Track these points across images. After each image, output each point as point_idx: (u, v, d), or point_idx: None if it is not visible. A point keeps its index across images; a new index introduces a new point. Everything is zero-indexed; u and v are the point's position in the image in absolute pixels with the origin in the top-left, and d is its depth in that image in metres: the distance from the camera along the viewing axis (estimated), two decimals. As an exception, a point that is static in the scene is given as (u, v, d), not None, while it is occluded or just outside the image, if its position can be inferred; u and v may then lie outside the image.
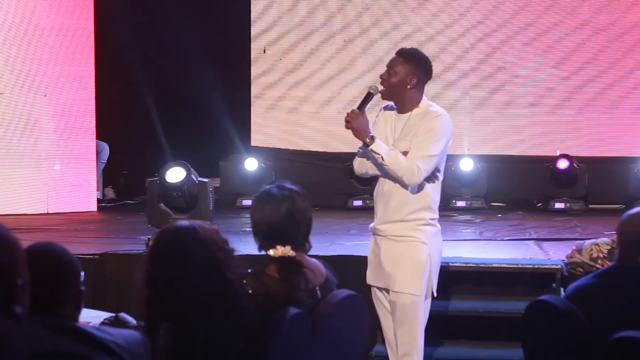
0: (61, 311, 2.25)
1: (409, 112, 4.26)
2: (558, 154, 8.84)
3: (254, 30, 9.60)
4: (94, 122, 8.90)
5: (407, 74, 4.22)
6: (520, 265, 5.58)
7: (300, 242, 3.11)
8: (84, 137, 8.81)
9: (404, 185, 4.17)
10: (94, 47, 8.90)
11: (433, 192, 4.25)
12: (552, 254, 5.91)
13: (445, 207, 8.78)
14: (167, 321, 2.66)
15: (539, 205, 8.81)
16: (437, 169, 4.27)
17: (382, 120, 4.35)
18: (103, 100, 9.06)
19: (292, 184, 3.21)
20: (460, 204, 8.77)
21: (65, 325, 2.21)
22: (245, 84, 9.67)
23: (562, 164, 8.63)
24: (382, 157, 4.12)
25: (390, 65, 4.27)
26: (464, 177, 8.84)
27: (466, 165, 8.84)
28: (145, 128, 9.76)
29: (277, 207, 3.07)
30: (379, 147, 4.13)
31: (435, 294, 4.30)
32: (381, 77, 4.31)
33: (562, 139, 9.19)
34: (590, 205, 8.67)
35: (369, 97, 4.27)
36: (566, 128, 9.24)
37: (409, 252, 4.17)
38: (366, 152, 4.20)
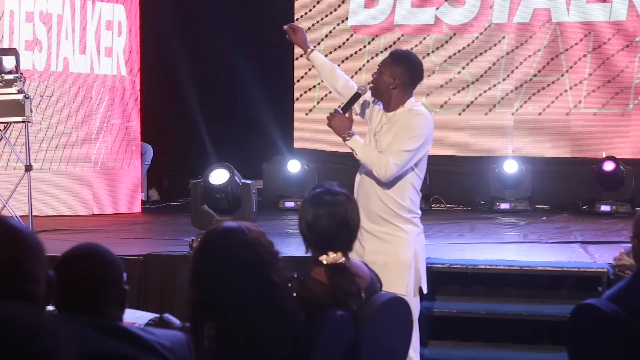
0: (106, 311, 2.27)
1: (393, 112, 4.37)
2: (604, 155, 8.74)
3: (297, 32, 9.61)
4: (139, 124, 9.00)
5: (393, 75, 4.34)
6: (565, 269, 5.52)
7: (350, 247, 3.09)
8: (129, 139, 8.90)
9: (377, 180, 4.28)
10: (140, 49, 9.00)
11: (412, 193, 4.34)
12: (598, 257, 5.84)
13: (489, 210, 8.74)
14: (211, 322, 2.67)
15: (584, 207, 8.72)
16: (416, 169, 4.35)
17: (377, 108, 4.47)
18: (147, 102, 9.15)
19: (339, 187, 3.20)
20: (504, 206, 8.71)
21: (111, 325, 2.23)
22: (288, 86, 9.69)
23: (608, 166, 8.53)
24: (356, 153, 4.33)
25: (380, 65, 4.44)
26: (508, 179, 8.78)
27: (510, 167, 8.77)
28: (188, 130, 9.83)
29: (331, 214, 3.04)
30: (354, 143, 4.34)
31: (425, 291, 4.36)
32: (372, 75, 4.46)
33: (608, 140, 9.09)
34: (636, 208, 8.56)
35: (355, 97, 4.44)
36: (612, 129, 9.13)
37: (394, 252, 4.23)
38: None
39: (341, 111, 4.39)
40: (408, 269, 4.24)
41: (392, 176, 4.25)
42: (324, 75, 4.73)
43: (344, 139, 4.34)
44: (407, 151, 4.25)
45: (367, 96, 4.49)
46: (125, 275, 2.34)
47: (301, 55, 4.78)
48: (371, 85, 4.42)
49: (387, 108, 4.39)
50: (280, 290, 2.74)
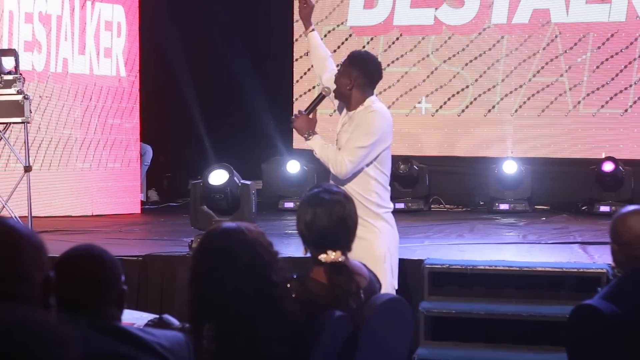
0: (104, 312, 2.27)
1: (354, 111, 4.51)
2: (603, 156, 8.74)
3: (297, 32, 9.63)
4: (138, 124, 9.00)
5: (348, 76, 4.49)
6: (564, 269, 5.52)
7: (349, 247, 3.09)
8: (128, 140, 8.90)
9: (336, 178, 4.41)
10: (139, 50, 9.00)
11: (377, 187, 4.46)
12: (597, 258, 5.84)
13: (489, 210, 8.74)
14: (211, 322, 2.67)
15: (583, 208, 8.72)
16: (376, 164, 4.44)
17: (344, 110, 4.62)
18: (147, 103, 9.15)
19: (337, 187, 3.21)
20: (504, 206, 8.70)
21: (110, 326, 2.23)
22: (287, 86, 9.69)
23: (608, 166, 8.53)
24: (315, 152, 4.52)
25: (339, 67, 4.59)
26: (507, 179, 8.78)
27: (510, 168, 8.77)
28: (188, 131, 9.83)
29: (330, 212, 3.05)
30: (313, 142, 4.51)
31: (396, 287, 4.42)
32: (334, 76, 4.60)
33: (607, 141, 9.09)
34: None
35: (319, 98, 4.65)
36: (611, 130, 9.13)
37: (368, 248, 4.26)
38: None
39: (304, 112, 4.57)
40: (383, 264, 4.30)
41: (349, 173, 4.38)
42: (315, 61, 4.89)
43: (305, 139, 4.53)
44: (362, 147, 4.37)
45: None
46: (123, 276, 2.34)
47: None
48: (332, 88, 4.58)
49: (348, 108, 4.53)
50: (280, 290, 2.74)
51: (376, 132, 4.40)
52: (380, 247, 4.33)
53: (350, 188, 4.34)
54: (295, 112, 4.64)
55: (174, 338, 2.30)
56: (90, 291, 2.27)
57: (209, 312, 2.68)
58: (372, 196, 4.40)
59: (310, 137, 4.51)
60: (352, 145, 4.37)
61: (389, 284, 4.32)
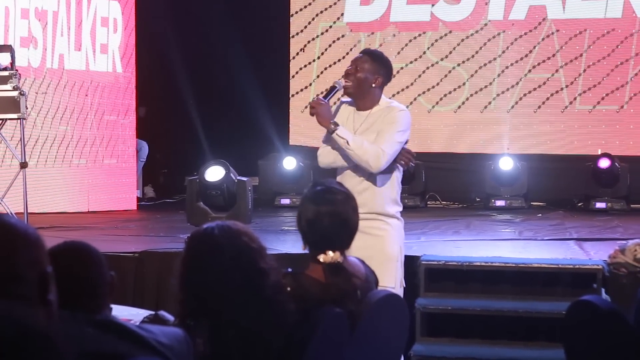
0: (95, 304, 2.25)
1: (369, 110, 4.35)
2: (599, 153, 8.75)
3: (293, 29, 9.63)
4: (135, 120, 8.99)
5: (374, 72, 4.34)
6: (560, 266, 5.52)
7: (349, 246, 3.05)
8: (124, 136, 8.89)
9: (367, 171, 4.24)
10: (135, 46, 8.99)
11: (397, 186, 4.38)
12: (593, 254, 5.84)
13: (485, 207, 8.75)
14: (203, 319, 2.65)
15: (579, 204, 8.73)
16: (397, 164, 4.36)
17: (342, 111, 4.42)
18: (143, 99, 9.14)
19: (340, 185, 3.17)
20: (500, 203, 8.72)
21: (108, 322, 2.21)
22: (284, 82, 9.69)
23: (604, 163, 8.54)
24: (347, 142, 4.20)
25: (357, 63, 4.37)
26: (503, 176, 8.79)
27: (506, 165, 8.78)
28: (184, 127, 9.82)
29: (332, 213, 2.99)
30: (344, 132, 4.22)
31: (404, 284, 4.37)
32: (347, 72, 4.37)
33: (604, 137, 9.10)
34: (632, 205, 8.58)
35: (332, 90, 4.37)
36: (607, 126, 9.14)
37: (380, 246, 4.23)
38: (329, 139, 4.28)
39: (324, 100, 4.28)
40: (395, 262, 4.27)
41: (384, 166, 4.24)
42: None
43: (331, 129, 4.21)
44: (399, 142, 4.29)
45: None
46: (108, 271, 2.32)
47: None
48: (350, 83, 4.34)
49: (363, 107, 4.36)
50: (270, 279, 2.71)
51: (407, 131, 4.34)
52: (393, 246, 4.28)
53: (371, 188, 4.27)
54: (312, 97, 4.50)
55: (174, 335, 2.29)
56: (77, 285, 2.24)
57: (200, 309, 2.67)
58: (393, 193, 4.36)
59: (337, 127, 4.20)
60: (390, 140, 4.22)
61: (399, 282, 4.30)
